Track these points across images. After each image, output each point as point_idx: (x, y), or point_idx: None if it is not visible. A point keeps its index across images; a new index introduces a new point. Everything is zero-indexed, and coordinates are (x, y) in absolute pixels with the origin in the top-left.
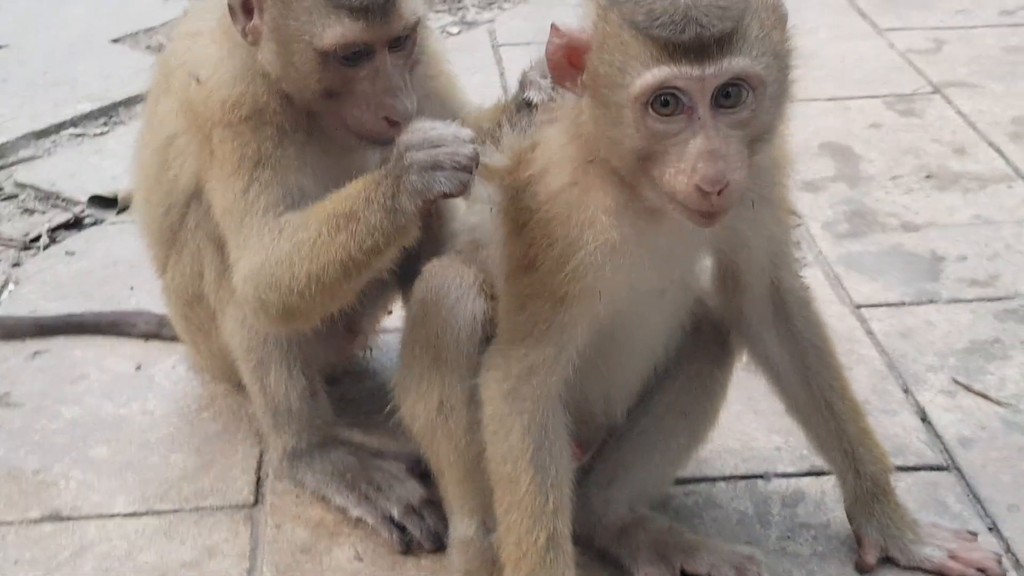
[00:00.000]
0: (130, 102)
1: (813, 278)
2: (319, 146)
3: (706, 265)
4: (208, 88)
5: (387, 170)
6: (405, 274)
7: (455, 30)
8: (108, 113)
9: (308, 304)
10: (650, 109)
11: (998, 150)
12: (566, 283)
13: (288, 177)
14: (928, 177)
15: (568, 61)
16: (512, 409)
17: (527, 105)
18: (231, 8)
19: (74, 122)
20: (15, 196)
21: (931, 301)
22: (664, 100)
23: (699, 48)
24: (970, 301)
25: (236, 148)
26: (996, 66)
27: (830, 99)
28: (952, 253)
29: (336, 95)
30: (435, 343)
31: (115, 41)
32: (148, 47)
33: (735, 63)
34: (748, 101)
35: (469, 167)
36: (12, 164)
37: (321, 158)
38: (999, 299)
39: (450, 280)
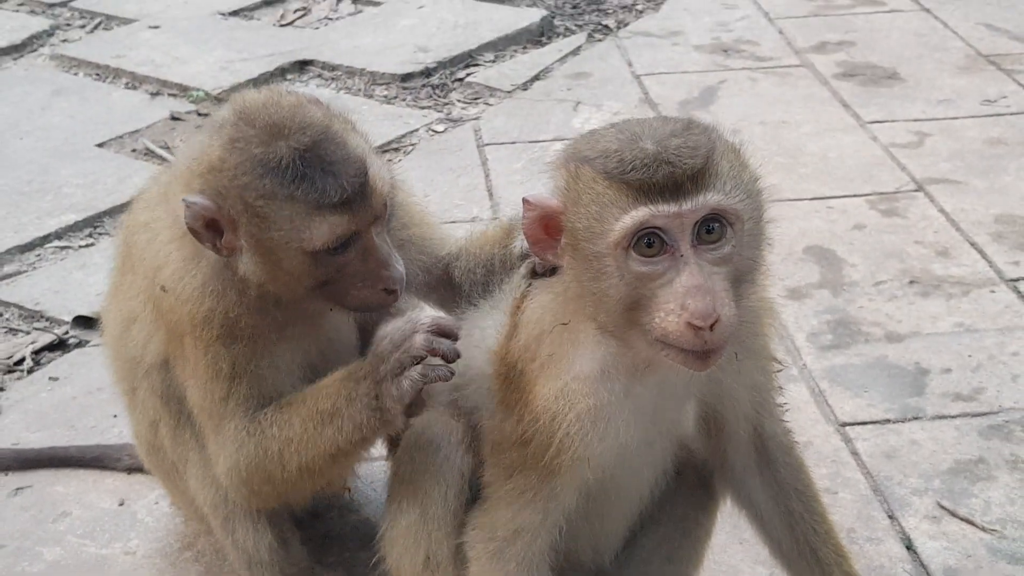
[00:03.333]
0: (115, 211)
1: (798, 395)
2: (289, 339)
3: (690, 411)
4: (174, 298)
5: (366, 370)
6: None
7: (440, 128)
8: (93, 224)
9: (301, 488)
10: (632, 252)
11: (981, 251)
12: (554, 456)
13: (265, 386)
14: (911, 282)
15: (544, 231)
16: (497, 570)
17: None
18: (193, 231)
19: (59, 234)
20: None
21: (916, 418)
22: (648, 242)
23: (674, 187)
24: (954, 417)
25: (210, 362)
26: (978, 160)
27: (814, 198)
28: (936, 365)
29: (328, 282)
30: (422, 499)
31: (100, 145)
32: (133, 151)
33: (710, 198)
34: (728, 236)
35: (423, 356)
36: None
37: (293, 349)
38: (983, 414)
39: (439, 436)
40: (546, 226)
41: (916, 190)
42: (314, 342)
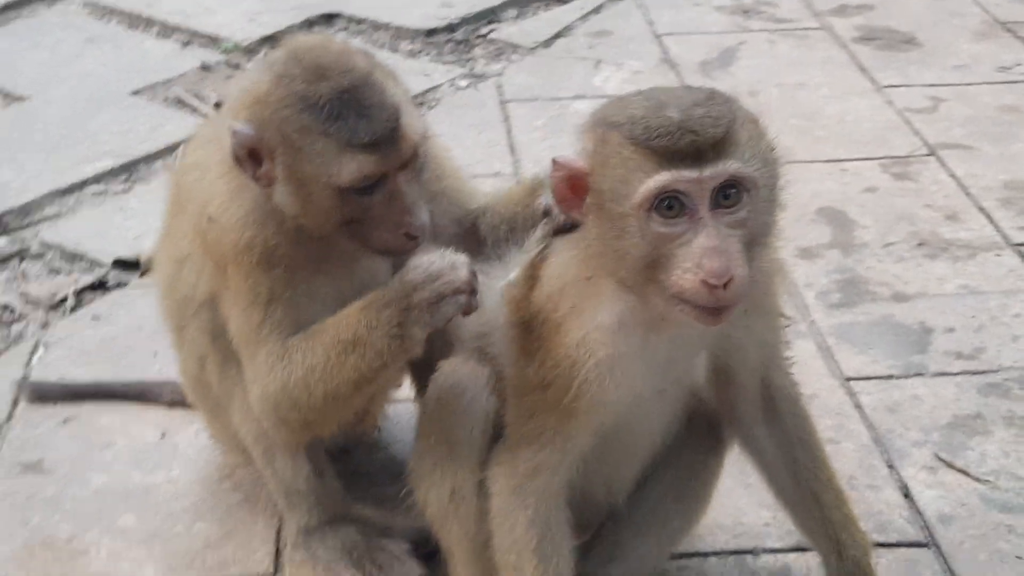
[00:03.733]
0: (149, 159)
1: (806, 350)
2: (326, 273)
3: (701, 363)
4: (220, 228)
5: (390, 298)
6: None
7: (464, 83)
8: (128, 170)
9: (326, 417)
10: (654, 214)
11: (988, 216)
12: (572, 400)
13: (299, 314)
14: (920, 245)
15: (571, 190)
16: (518, 504)
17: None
18: (237, 158)
19: (96, 179)
20: (42, 256)
21: (918, 374)
22: (668, 204)
23: (696, 154)
24: (955, 374)
25: (250, 287)
26: (991, 126)
27: (828, 161)
28: (940, 325)
29: (354, 221)
30: (449, 436)
31: (134, 93)
32: (165, 99)
33: (729, 165)
34: (744, 201)
35: (466, 289)
36: (38, 222)
37: (329, 283)
38: (983, 372)
39: (465, 379)
40: (573, 186)
41: (928, 155)
42: (349, 282)
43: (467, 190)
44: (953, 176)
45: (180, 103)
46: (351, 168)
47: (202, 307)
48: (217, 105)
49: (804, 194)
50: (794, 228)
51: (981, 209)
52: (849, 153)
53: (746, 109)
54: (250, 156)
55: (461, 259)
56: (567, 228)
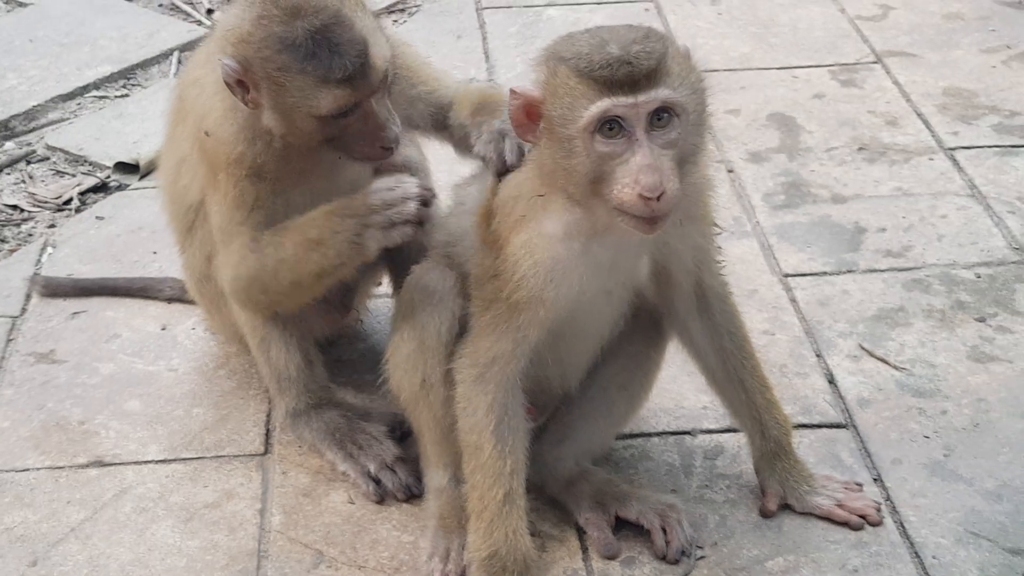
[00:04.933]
0: (145, 64)
1: (750, 249)
2: (306, 184)
3: (644, 266)
4: (215, 141)
5: (352, 211)
6: (392, 255)
7: None
8: (126, 76)
9: (290, 300)
10: (597, 136)
11: (925, 122)
12: (514, 291)
13: (276, 219)
14: (860, 149)
15: (526, 116)
16: (479, 391)
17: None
18: (228, 85)
19: (96, 85)
20: (47, 159)
21: (849, 271)
22: (610, 126)
23: (632, 83)
24: (883, 271)
25: (237, 194)
26: (935, 34)
27: (782, 68)
28: (873, 225)
29: (335, 138)
30: (420, 332)
31: (130, 0)
32: (160, 5)
33: (661, 92)
34: (675, 124)
35: (414, 221)
36: (43, 126)
37: (308, 193)
38: (908, 269)
39: (436, 281)
40: (528, 112)
41: (875, 62)
42: (329, 191)
43: (442, 89)
44: (896, 83)
45: (174, 8)
46: (328, 100)
47: (203, 207)
48: (209, 12)
49: (757, 100)
50: (746, 134)
51: (919, 115)
52: (801, 60)
53: (679, 45)
54: (239, 84)
55: (413, 191)
56: (504, 171)
